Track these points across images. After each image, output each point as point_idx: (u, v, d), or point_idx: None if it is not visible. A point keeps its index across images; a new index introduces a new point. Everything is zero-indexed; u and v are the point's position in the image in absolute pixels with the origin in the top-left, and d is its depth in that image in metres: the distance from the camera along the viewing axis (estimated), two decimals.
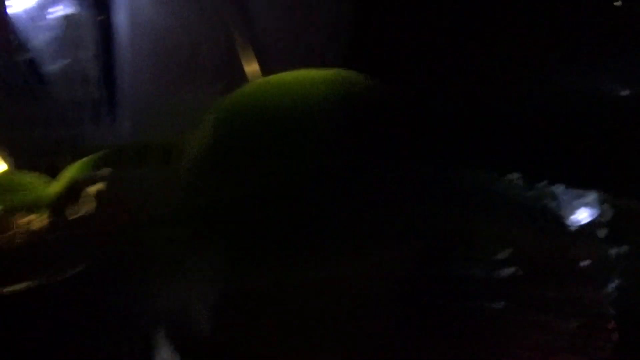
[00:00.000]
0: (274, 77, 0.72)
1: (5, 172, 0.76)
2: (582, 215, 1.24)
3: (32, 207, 0.73)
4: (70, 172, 0.73)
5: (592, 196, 1.29)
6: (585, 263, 1.12)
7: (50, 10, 1.02)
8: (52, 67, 0.97)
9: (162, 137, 0.89)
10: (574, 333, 1.11)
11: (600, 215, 1.21)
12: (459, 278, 1.02)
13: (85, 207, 0.81)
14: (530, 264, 1.02)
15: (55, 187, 0.73)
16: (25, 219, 0.75)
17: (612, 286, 1.16)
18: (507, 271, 1.03)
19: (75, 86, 0.99)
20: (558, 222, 1.08)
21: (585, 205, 1.39)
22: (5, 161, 0.81)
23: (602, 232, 1.16)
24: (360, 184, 0.78)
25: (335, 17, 1.14)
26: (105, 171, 0.77)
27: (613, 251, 1.16)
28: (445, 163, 1.05)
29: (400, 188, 0.88)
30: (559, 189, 1.31)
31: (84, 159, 0.72)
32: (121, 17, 1.21)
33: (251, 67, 1.03)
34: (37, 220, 0.75)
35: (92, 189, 0.80)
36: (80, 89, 1.00)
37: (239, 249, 0.76)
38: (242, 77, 1.22)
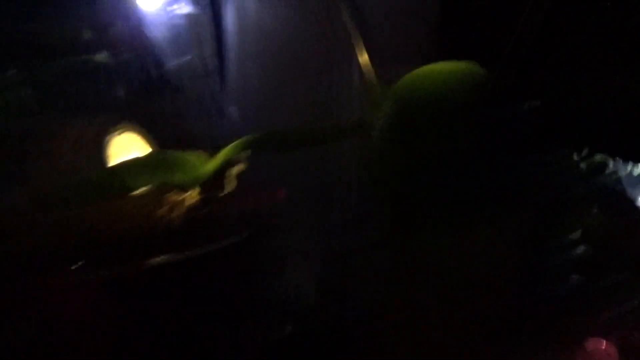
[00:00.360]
0: (430, 67, 0.76)
1: (166, 152, 0.81)
2: None
3: (187, 185, 0.77)
4: (223, 154, 0.77)
5: None
6: None
7: (170, 8, 1.07)
8: (175, 63, 1.02)
9: (270, 127, 0.94)
10: None
11: None
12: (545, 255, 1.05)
13: (229, 186, 0.86)
14: (602, 244, 1.04)
15: (209, 166, 0.78)
16: (180, 196, 0.80)
17: None
18: (580, 250, 1.05)
19: (197, 81, 1.04)
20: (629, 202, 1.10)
21: None
22: (151, 145, 0.86)
23: None
24: (491, 163, 0.83)
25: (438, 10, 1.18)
26: (245, 154, 0.82)
27: None
28: (552, 146, 1.08)
29: (517, 168, 0.92)
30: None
31: (237, 142, 0.76)
32: (230, 16, 1.27)
33: (363, 60, 1.06)
34: (189, 197, 0.80)
35: (234, 169, 0.84)
36: (203, 83, 1.06)
37: (408, 217, 0.80)
38: (348, 71, 1.26)
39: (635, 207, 1.15)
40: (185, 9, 1.10)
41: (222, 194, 0.81)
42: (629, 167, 1.53)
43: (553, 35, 1.04)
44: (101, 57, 0.97)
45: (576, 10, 1.06)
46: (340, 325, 0.91)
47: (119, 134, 0.82)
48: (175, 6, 1.09)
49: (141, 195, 0.77)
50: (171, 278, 0.76)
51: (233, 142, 0.87)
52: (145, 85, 0.96)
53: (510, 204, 0.86)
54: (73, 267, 0.70)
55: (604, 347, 1.21)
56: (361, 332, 0.90)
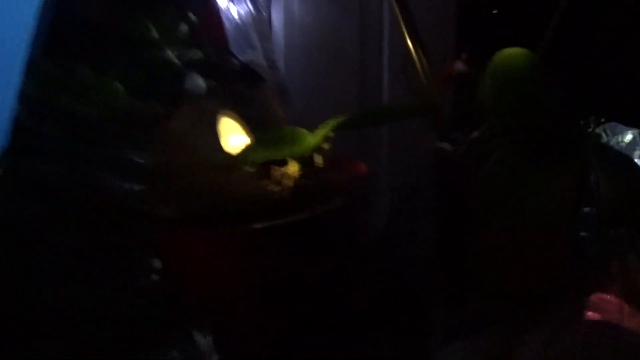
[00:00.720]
0: (508, 51, 0.87)
1: (282, 129, 0.89)
2: None
3: (293, 158, 0.86)
4: (322, 131, 0.86)
5: None
6: None
7: (235, 7, 1.16)
8: (245, 56, 1.11)
9: (315, 119, 1.04)
10: None
11: None
12: None
13: (322, 160, 0.95)
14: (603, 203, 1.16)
15: (312, 141, 0.86)
16: (284, 168, 0.88)
17: None
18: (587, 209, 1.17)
19: (265, 73, 1.14)
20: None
21: None
22: (243, 126, 0.93)
23: None
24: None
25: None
26: (330, 132, 0.90)
27: None
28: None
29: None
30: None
31: (332, 121, 0.84)
32: (277, 16, 1.36)
33: (409, 48, 1.17)
34: (293, 170, 0.88)
35: (326, 145, 0.93)
36: (270, 75, 1.15)
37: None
38: (380, 60, 1.36)
39: (632, 169, 1.27)
40: (246, 7, 1.19)
41: (319, 167, 0.91)
42: (619, 137, 1.70)
43: (576, 28, 1.16)
44: (193, 51, 1.07)
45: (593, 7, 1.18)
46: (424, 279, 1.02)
47: (221, 117, 0.92)
48: (239, 5, 1.19)
49: (255, 169, 0.87)
50: (284, 238, 0.86)
51: (300, 125, 0.97)
52: (228, 76, 1.05)
53: (570, 157, 0.99)
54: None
55: (608, 298, 1.33)
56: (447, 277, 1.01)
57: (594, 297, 1.33)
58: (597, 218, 1.26)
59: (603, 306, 1.32)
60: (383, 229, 1.13)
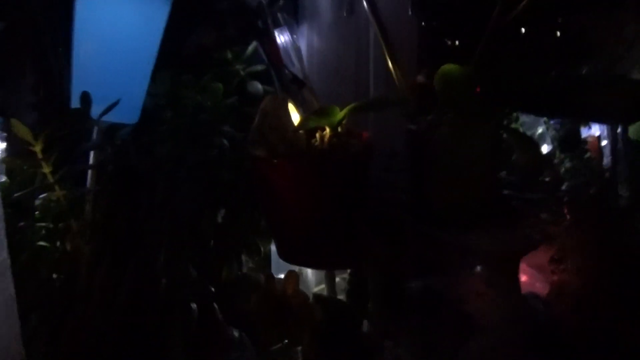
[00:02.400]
0: (449, 65, 1.50)
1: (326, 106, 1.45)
2: None
3: (330, 125, 1.46)
4: (346, 110, 1.44)
5: None
6: None
7: (283, 39, 1.82)
8: (291, 69, 1.72)
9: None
10: None
11: None
12: None
13: (344, 128, 1.58)
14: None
15: (339, 116, 1.45)
16: (323, 132, 1.50)
17: None
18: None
19: (303, 80, 1.77)
20: None
21: None
22: (297, 109, 1.52)
23: None
24: None
25: None
26: (347, 113, 1.52)
27: None
28: None
29: None
30: None
31: (351, 105, 1.42)
32: (302, 45, 2.02)
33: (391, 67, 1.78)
34: (327, 133, 1.50)
35: (344, 119, 1.56)
36: (306, 81, 1.77)
37: None
38: (367, 77, 2.02)
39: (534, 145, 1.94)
40: (288, 38, 1.87)
41: (341, 132, 1.58)
42: (533, 131, 2.38)
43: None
44: (256, 66, 1.74)
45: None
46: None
47: (288, 103, 1.58)
48: (284, 37, 1.87)
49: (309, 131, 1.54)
50: (320, 168, 1.51)
51: None
52: (283, 81, 1.72)
53: (487, 130, 1.67)
54: None
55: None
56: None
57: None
58: (517, 183, 1.96)
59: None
60: (376, 179, 1.81)
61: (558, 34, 2.14)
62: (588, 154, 2.40)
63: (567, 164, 2.32)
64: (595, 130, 2.41)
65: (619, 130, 2.56)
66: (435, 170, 1.70)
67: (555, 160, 2.34)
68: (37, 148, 1.35)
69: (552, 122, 2.43)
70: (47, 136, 1.36)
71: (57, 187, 1.39)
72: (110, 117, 1.53)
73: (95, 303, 1.43)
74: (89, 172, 1.52)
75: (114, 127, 1.55)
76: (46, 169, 1.37)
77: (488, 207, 1.67)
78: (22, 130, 1.32)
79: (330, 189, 1.52)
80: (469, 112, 1.56)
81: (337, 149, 1.52)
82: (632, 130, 2.58)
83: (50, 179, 1.38)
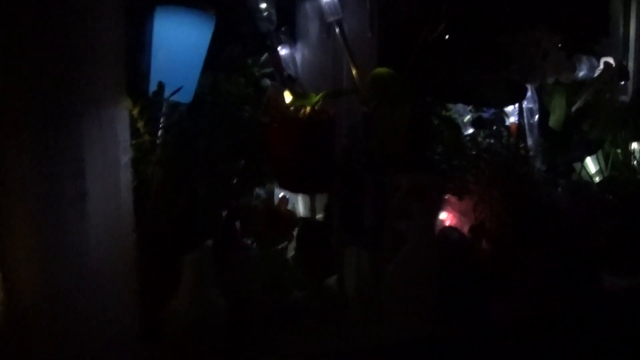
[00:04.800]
0: (380, 69, 2.52)
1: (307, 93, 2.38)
2: None
3: (310, 104, 2.41)
4: (321, 95, 2.38)
5: None
6: None
7: (284, 51, 2.82)
8: (289, 72, 2.73)
9: None
10: None
11: None
12: None
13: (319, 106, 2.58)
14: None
15: (317, 99, 2.42)
16: (306, 108, 2.47)
17: None
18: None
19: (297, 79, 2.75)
20: None
21: None
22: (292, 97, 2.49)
23: None
24: None
25: None
26: (321, 98, 2.50)
27: None
28: None
29: None
30: None
31: (324, 92, 2.38)
32: (296, 54, 3.02)
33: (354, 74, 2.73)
34: (308, 110, 2.47)
35: (319, 102, 2.54)
36: (298, 79, 2.76)
37: None
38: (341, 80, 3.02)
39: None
40: (288, 51, 2.89)
41: (317, 109, 2.59)
42: (463, 117, 3.35)
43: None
44: (267, 69, 2.76)
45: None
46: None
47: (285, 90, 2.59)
48: (285, 50, 2.89)
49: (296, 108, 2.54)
50: (304, 130, 2.52)
51: None
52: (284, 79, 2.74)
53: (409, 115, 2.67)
54: None
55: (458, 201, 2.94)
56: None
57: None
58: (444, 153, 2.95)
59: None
60: (339, 146, 2.79)
61: (484, 46, 3.14)
62: (506, 135, 3.38)
63: (487, 142, 3.30)
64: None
65: (533, 120, 3.52)
66: (375, 137, 2.69)
67: (479, 139, 3.32)
68: (135, 111, 2.34)
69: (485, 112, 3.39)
70: (140, 106, 2.35)
71: (145, 135, 2.39)
72: (175, 98, 2.51)
73: (161, 209, 2.41)
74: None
75: (176, 104, 2.54)
76: (140, 124, 2.37)
77: (408, 159, 2.65)
78: (127, 101, 2.30)
79: (308, 143, 2.52)
80: (392, 99, 2.55)
81: (312, 119, 2.52)
82: (551, 120, 3.55)
83: (142, 129, 2.37)
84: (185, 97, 2.52)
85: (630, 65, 4.11)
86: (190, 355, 1.88)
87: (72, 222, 1.76)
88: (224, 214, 2.46)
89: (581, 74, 3.74)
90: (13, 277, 1.60)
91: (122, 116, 1.95)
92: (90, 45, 1.77)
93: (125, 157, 2.01)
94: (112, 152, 1.91)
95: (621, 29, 4.16)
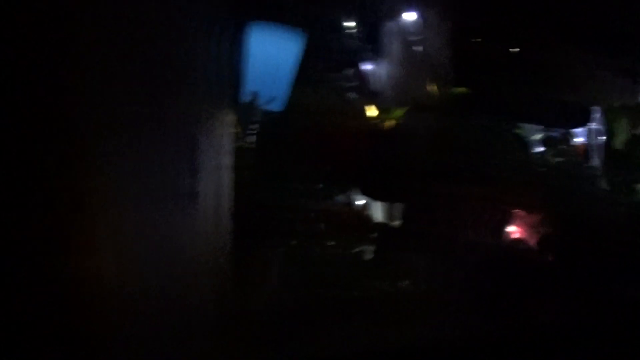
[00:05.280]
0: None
1: None
2: None
3: None
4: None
5: None
6: None
7: None
8: None
9: None
10: None
11: None
12: None
13: None
14: None
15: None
16: None
17: None
18: None
19: None
20: None
21: None
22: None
23: None
24: None
25: None
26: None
27: None
28: None
29: None
30: None
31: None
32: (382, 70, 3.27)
33: None
34: None
35: None
36: None
37: None
38: None
39: None
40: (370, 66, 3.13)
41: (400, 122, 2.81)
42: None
43: None
44: None
45: None
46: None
47: None
48: None
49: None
50: None
51: None
52: None
53: None
54: None
55: None
56: None
57: None
58: None
59: None
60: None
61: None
62: (573, 154, 3.54)
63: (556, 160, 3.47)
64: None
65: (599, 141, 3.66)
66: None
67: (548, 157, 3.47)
68: (234, 120, 2.60)
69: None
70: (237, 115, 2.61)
71: (242, 141, 2.65)
72: (267, 107, 2.77)
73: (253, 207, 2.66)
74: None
75: (269, 113, 2.80)
76: (237, 131, 2.63)
77: (478, 173, 2.85)
78: (229, 111, 2.55)
79: (390, 154, 2.76)
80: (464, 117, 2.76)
81: (394, 132, 2.75)
82: (616, 142, 3.69)
83: (239, 136, 2.64)
84: (277, 106, 2.75)
85: None
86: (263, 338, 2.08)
87: (181, 216, 1.99)
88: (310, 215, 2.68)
89: None
90: (125, 264, 1.79)
91: (225, 124, 2.18)
92: (203, 65, 2.02)
93: (227, 159, 2.25)
94: (217, 156, 2.15)
95: None
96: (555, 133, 3.49)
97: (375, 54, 3.19)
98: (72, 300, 1.50)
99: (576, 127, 3.22)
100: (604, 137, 3.71)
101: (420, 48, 2.87)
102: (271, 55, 2.76)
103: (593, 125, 3.63)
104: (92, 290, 1.54)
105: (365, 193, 2.66)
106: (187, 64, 2.04)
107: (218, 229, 2.19)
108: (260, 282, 2.24)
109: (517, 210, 3.08)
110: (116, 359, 1.63)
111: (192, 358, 1.97)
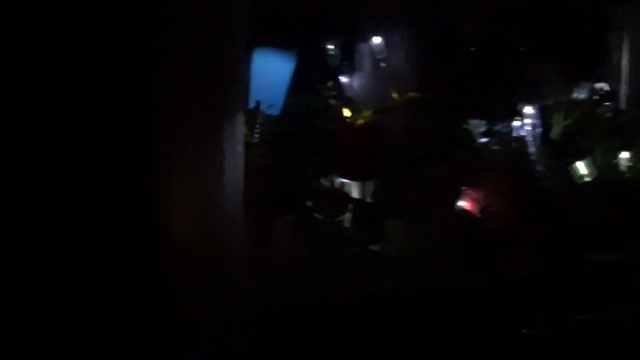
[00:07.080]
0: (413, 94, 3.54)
1: None
2: None
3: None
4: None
5: None
6: None
7: None
8: None
9: None
10: None
11: None
12: None
13: None
14: None
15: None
16: None
17: None
18: None
19: None
20: None
21: None
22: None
23: None
24: None
25: None
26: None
27: None
28: None
29: None
30: None
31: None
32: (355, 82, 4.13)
33: None
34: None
35: None
36: None
37: None
38: None
39: None
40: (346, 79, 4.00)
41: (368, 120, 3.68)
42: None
43: None
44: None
45: None
46: None
47: None
48: None
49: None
50: None
51: None
52: None
53: None
54: None
55: None
56: None
57: None
58: None
59: None
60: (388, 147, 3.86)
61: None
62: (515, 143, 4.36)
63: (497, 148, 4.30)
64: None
65: (535, 132, 4.50)
66: (414, 141, 3.76)
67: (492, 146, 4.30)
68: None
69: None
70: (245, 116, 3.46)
71: (249, 136, 3.51)
72: (268, 111, 3.62)
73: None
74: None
75: (269, 116, 3.64)
76: (245, 128, 3.48)
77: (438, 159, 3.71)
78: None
79: (362, 144, 3.61)
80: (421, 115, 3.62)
81: (365, 127, 3.61)
82: (551, 132, 4.56)
83: (246, 132, 3.49)
84: (275, 111, 3.62)
85: (623, 88, 5.08)
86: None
87: (217, 183, 2.83)
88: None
89: (582, 96, 4.76)
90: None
91: (240, 123, 3.01)
92: (236, 74, 2.85)
93: (240, 148, 3.08)
94: (235, 145, 2.98)
95: (615, 58, 5.14)
96: (499, 127, 4.33)
97: (351, 69, 4.10)
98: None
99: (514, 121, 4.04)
100: (541, 129, 4.56)
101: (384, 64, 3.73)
102: (270, 70, 3.62)
103: (532, 120, 4.47)
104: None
105: (345, 175, 3.49)
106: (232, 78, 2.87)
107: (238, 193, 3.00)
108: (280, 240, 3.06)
109: (469, 187, 3.87)
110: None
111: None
